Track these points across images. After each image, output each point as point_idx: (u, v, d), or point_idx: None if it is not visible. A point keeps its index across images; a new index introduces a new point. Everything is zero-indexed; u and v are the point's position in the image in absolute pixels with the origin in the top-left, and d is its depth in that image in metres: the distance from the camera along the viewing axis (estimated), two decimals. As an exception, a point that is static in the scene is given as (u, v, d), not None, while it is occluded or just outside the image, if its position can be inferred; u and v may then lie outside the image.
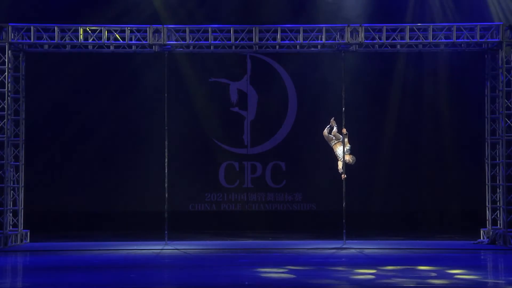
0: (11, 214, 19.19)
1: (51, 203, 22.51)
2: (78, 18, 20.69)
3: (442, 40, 19.11)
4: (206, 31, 19.11)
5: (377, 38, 19.04)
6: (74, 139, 22.69)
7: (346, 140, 18.47)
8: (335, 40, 19.07)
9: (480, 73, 20.18)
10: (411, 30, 18.96)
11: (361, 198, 22.34)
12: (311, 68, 22.80)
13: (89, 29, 18.95)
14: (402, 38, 19.02)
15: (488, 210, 19.48)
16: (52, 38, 18.91)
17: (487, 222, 19.45)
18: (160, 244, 18.77)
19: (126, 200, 22.65)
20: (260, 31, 19.02)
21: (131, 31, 19.06)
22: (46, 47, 19.23)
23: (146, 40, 18.97)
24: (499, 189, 19.15)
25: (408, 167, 22.85)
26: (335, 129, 18.58)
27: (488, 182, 19.55)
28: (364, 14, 22.21)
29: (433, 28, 19.00)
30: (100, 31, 18.91)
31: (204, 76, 23.03)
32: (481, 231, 19.58)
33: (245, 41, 19.09)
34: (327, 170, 20.52)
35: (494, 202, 19.40)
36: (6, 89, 18.89)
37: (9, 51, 18.89)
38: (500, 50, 19.00)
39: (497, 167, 19.28)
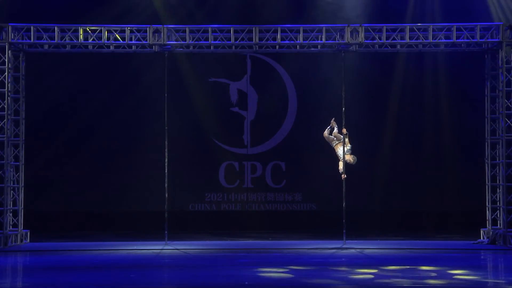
0: (11, 214, 19.19)
1: (51, 203, 22.51)
2: (78, 18, 20.69)
3: (442, 40, 19.10)
4: (206, 31, 19.11)
5: (377, 38, 19.04)
6: (74, 139, 22.68)
7: (346, 140, 18.47)
8: (335, 40, 19.07)
9: (480, 73, 20.17)
10: (411, 30, 18.96)
11: (361, 198, 22.33)
12: (311, 68, 22.80)
13: (89, 29, 18.95)
14: (402, 38, 19.01)
15: (488, 210, 19.48)
16: (52, 38, 18.91)
17: (487, 222, 19.45)
18: (160, 244, 18.76)
19: (126, 200, 22.65)
20: (260, 31, 19.02)
21: (131, 31, 19.05)
22: (46, 47, 19.23)
23: (146, 40, 18.97)
24: (499, 189, 19.15)
25: (408, 167, 22.84)
26: (335, 129, 18.57)
27: (488, 182, 19.55)
28: (364, 14, 22.21)
29: (433, 28, 19.00)
30: (100, 31, 18.91)
31: (204, 76, 23.02)
32: (481, 231, 19.58)
33: (245, 41, 19.08)
34: (327, 170, 20.52)
35: (494, 202, 19.40)
36: (6, 89, 18.88)
37: (9, 51, 18.89)
38: (500, 50, 18.99)
39: (497, 167, 19.28)
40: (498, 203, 19.23)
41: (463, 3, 22.32)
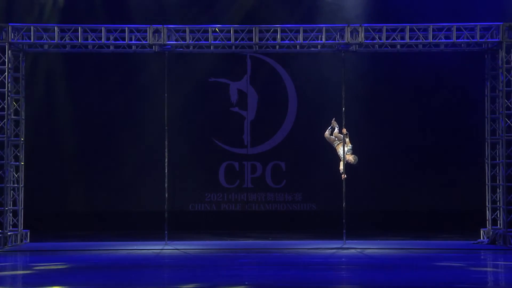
0: (11, 214, 19.18)
1: (51, 203, 22.51)
2: (78, 18, 20.68)
3: (442, 40, 19.10)
4: (206, 31, 19.10)
5: (377, 38, 19.03)
6: (74, 139, 22.68)
7: (347, 140, 18.46)
8: (335, 40, 19.06)
9: (480, 73, 20.17)
10: (411, 30, 18.95)
11: (361, 198, 22.32)
12: (311, 68, 22.80)
13: (89, 29, 18.93)
14: (402, 38, 19.01)
15: (488, 210, 19.48)
16: (52, 38, 18.90)
17: (487, 222, 19.45)
18: (160, 244, 18.76)
19: (126, 200, 22.66)
20: (260, 31, 19.01)
21: (131, 31, 19.04)
22: (46, 47, 19.23)
23: (146, 40, 18.96)
24: (499, 189, 19.15)
25: (408, 167, 22.84)
26: (336, 130, 18.57)
27: (488, 182, 19.54)
28: (364, 14, 22.20)
29: (433, 28, 18.99)
30: (100, 31, 18.91)
31: (204, 76, 23.02)
32: (481, 231, 19.57)
33: (245, 41, 19.08)
34: (327, 170, 20.51)
35: (494, 202, 19.40)
36: (6, 89, 18.87)
37: (9, 51, 18.88)
38: (500, 50, 18.99)
39: (497, 167, 19.27)
40: (498, 203, 19.22)
41: (463, 3, 22.33)
